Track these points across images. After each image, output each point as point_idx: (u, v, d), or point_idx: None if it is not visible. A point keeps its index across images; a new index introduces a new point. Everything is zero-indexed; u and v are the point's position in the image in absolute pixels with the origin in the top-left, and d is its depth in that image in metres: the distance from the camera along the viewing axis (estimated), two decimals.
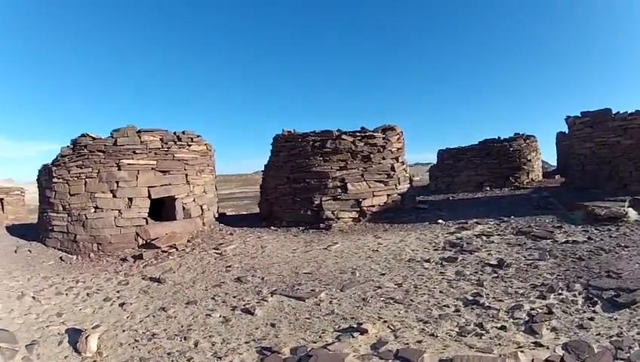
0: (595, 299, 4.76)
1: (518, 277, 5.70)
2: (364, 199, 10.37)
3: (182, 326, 4.68)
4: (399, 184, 10.87)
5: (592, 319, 4.29)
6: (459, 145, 17.44)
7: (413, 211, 10.55)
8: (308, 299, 5.25)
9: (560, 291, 5.07)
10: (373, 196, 10.45)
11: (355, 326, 4.31)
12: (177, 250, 8.61)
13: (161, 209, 10.03)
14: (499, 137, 17.42)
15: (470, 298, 5.01)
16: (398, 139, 11.20)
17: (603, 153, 12.09)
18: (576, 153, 13.32)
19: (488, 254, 6.97)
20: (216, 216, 11.28)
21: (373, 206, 10.40)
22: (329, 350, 3.84)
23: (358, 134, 10.75)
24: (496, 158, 16.44)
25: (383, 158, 10.67)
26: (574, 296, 4.91)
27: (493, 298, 5.00)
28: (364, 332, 4.14)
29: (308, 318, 4.71)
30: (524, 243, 7.57)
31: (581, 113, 12.98)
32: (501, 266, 6.17)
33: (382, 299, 5.15)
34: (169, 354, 4.01)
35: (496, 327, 4.21)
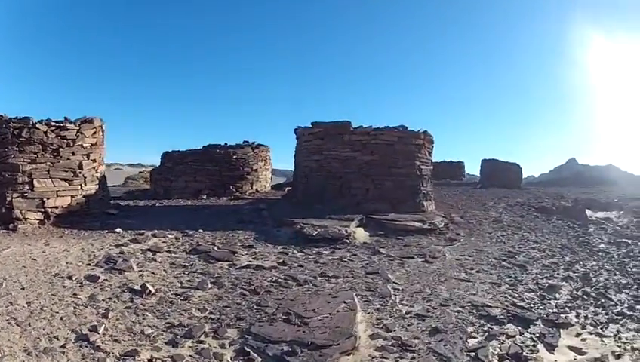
0: (254, 354, 3.70)
1: (156, 311, 4.78)
2: (48, 199, 10.01)
3: None
4: (85, 184, 10.64)
5: None
6: (187, 148, 17.31)
7: (100, 216, 10.50)
8: None
9: (202, 337, 4.06)
10: (57, 196, 10.21)
11: None
12: None
13: None
14: (225, 143, 17.89)
15: (85, 332, 4.24)
16: (94, 133, 11.12)
17: (333, 167, 11.59)
18: (301, 165, 12.72)
19: (140, 276, 6.14)
20: None
21: (56, 207, 10.16)
22: None
23: (53, 124, 10.32)
24: (217, 166, 16.07)
25: (73, 154, 10.55)
26: (222, 346, 3.89)
27: (111, 336, 4.18)
28: None
29: None
30: (193, 264, 6.70)
31: (312, 124, 12.39)
32: (142, 293, 5.25)
33: (7, 318, 4.69)
34: None
35: None
